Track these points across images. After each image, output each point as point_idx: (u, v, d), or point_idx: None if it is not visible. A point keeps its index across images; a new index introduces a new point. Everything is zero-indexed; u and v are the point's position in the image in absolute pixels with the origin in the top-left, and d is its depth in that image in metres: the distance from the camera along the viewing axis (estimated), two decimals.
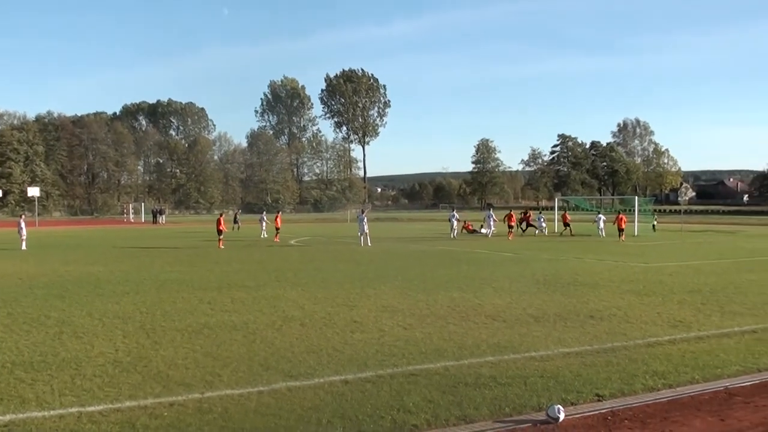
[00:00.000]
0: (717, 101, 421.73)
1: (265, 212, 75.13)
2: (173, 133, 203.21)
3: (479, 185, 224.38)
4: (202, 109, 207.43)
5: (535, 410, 10.95)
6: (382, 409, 10.95)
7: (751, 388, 12.24)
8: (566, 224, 68.67)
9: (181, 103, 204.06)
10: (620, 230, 59.15)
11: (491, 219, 67.98)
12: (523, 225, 67.64)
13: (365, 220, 51.70)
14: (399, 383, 12.40)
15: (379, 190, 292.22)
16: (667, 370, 13.22)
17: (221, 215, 53.49)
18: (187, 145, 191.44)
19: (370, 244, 49.47)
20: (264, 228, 65.79)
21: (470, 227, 71.40)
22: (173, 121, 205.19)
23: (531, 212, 71.64)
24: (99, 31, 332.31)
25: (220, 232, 49.87)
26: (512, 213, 65.96)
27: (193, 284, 27.04)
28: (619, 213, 65.18)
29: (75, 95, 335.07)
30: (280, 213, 67.21)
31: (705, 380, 12.68)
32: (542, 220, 70.20)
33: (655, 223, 74.14)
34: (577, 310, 20.41)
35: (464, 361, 13.98)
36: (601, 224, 65.74)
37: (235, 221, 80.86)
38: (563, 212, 72.27)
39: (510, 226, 62.52)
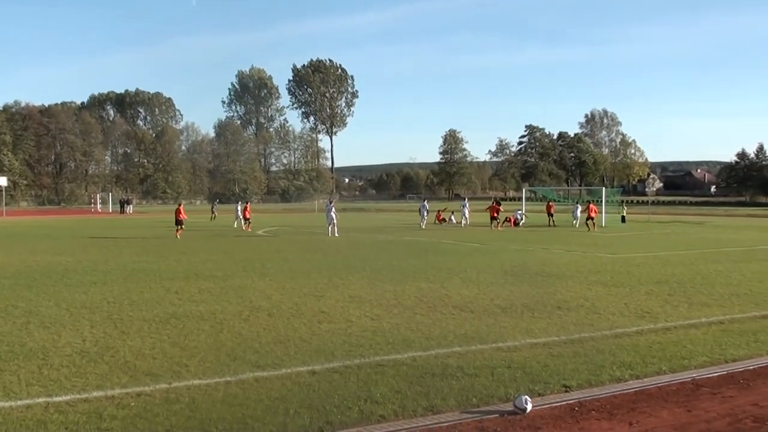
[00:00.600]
0: (684, 92, 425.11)
1: (240, 202, 75.26)
2: (141, 123, 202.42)
3: (447, 175, 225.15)
4: (170, 99, 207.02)
5: (502, 401, 10.95)
6: (350, 399, 10.93)
7: (718, 379, 12.28)
8: (550, 214, 68.30)
9: (148, 92, 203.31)
10: (589, 219, 59.53)
11: (465, 209, 68.15)
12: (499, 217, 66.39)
13: (333, 210, 51.66)
14: (366, 374, 12.39)
15: (347, 180, 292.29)
16: (634, 361, 13.27)
17: (180, 205, 53.04)
18: (154, 135, 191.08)
19: (337, 235, 49.39)
20: (240, 217, 66.15)
21: (441, 216, 71.39)
22: (141, 111, 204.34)
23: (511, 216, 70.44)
24: (66, 19, 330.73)
25: (179, 222, 49.55)
26: (494, 204, 65.55)
27: (160, 274, 26.95)
28: (589, 203, 65.48)
29: (42, 84, 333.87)
30: (249, 203, 67.03)
31: (672, 371, 12.73)
32: (519, 213, 69.83)
33: (625, 213, 74.35)
34: (545, 301, 20.44)
35: (432, 352, 13.98)
36: (578, 213, 66.34)
37: (213, 211, 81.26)
38: (548, 202, 71.83)
39: (493, 218, 62.19)
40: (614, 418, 10.23)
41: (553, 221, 67.01)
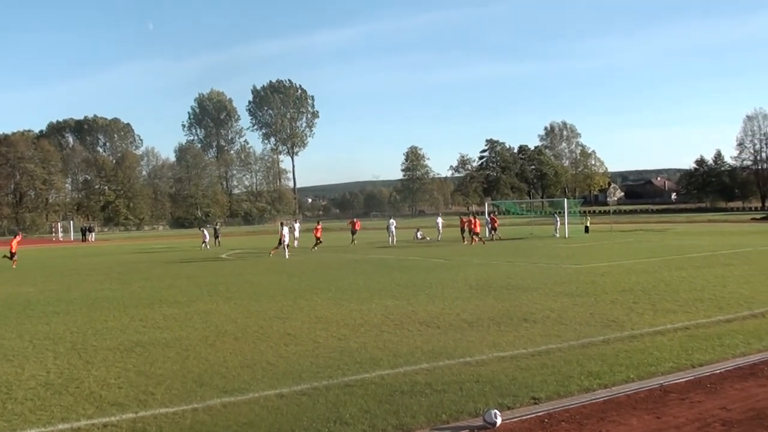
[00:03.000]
0: (640, 102, 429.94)
1: (208, 226, 74.97)
2: (100, 149, 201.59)
3: (410, 192, 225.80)
4: (129, 124, 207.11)
5: (471, 416, 10.95)
6: (319, 421, 10.88)
7: (685, 385, 12.38)
8: (494, 228, 67.25)
9: (106, 119, 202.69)
10: (470, 232, 60.75)
11: (439, 225, 68.52)
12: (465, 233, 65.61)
13: (286, 230, 51.22)
14: (335, 395, 12.34)
15: (310, 200, 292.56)
16: (602, 370, 13.32)
17: (284, 225, 53.87)
18: (114, 161, 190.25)
19: (287, 257, 49.24)
20: (213, 240, 66.41)
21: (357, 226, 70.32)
22: (100, 137, 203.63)
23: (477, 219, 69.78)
24: (22, 46, 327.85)
25: (281, 242, 51.76)
26: (470, 218, 65.32)
27: (124, 302, 26.70)
28: (473, 216, 66.09)
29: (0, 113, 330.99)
30: (320, 224, 67.01)
31: (640, 379, 12.80)
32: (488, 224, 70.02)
33: (588, 224, 74.84)
34: (511, 314, 20.47)
35: (400, 369, 13.97)
36: (558, 224, 67.39)
37: (216, 236, 76.96)
38: (491, 215, 71.29)
39: (471, 231, 61.65)
40: (584, 428, 10.27)
41: (493, 235, 66.25)
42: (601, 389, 12.21)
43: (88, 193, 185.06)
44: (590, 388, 12.25)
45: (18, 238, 53.42)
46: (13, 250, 50.55)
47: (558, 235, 67.29)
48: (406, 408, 11.38)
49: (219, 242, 74.37)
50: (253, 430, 10.60)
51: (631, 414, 10.82)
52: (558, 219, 69.98)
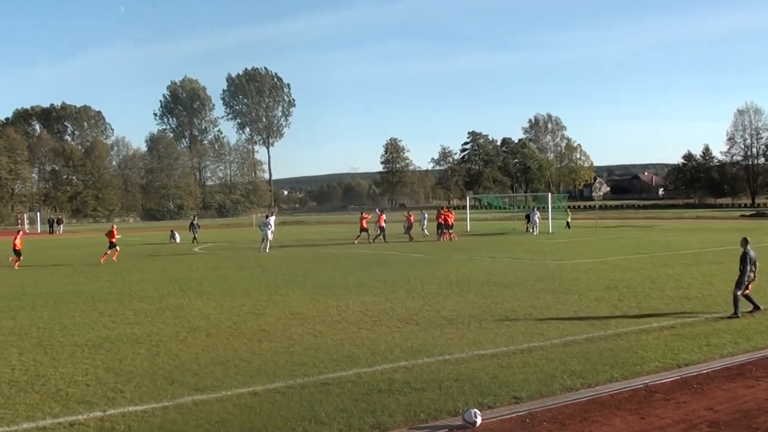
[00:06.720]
0: (628, 95, 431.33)
1: (195, 217, 74.26)
2: (69, 138, 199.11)
3: (389, 185, 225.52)
4: (99, 112, 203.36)
5: (451, 415, 10.85)
6: (293, 420, 10.72)
7: (671, 385, 12.33)
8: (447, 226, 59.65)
9: (75, 106, 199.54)
10: (448, 227, 57.78)
11: (425, 220, 67.47)
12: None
13: (270, 225, 50.56)
14: (310, 393, 12.20)
15: (286, 192, 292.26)
16: (585, 369, 13.25)
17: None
18: (83, 150, 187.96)
19: (267, 251, 48.56)
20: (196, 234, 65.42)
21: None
22: (68, 125, 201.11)
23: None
24: None
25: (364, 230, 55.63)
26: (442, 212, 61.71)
27: (93, 296, 26.46)
28: (442, 209, 63.52)
29: None
30: (383, 212, 63.44)
31: (624, 378, 12.74)
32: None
33: (570, 220, 74.32)
34: (492, 311, 20.42)
35: (377, 367, 13.87)
36: (537, 220, 66.26)
37: (193, 228, 69.54)
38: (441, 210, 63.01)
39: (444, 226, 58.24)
40: (566, 428, 10.21)
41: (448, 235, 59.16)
42: (584, 389, 12.16)
43: (56, 184, 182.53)
44: (573, 388, 12.19)
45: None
46: None
47: (537, 232, 66.11)
48: (383, 407, 11.28)
49: (177, 239, 68.12)
50: (225, 429, 10.46)
51: (614, 414, 10.76)
52: (537, 213, 68.27)
